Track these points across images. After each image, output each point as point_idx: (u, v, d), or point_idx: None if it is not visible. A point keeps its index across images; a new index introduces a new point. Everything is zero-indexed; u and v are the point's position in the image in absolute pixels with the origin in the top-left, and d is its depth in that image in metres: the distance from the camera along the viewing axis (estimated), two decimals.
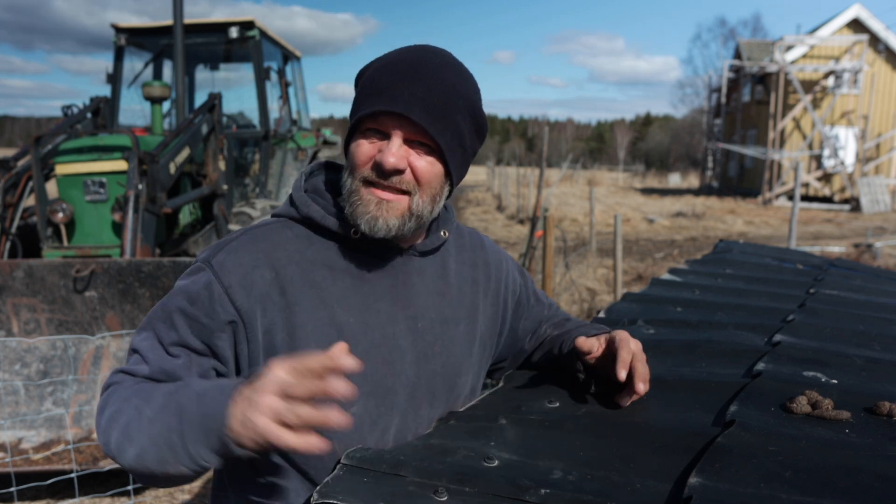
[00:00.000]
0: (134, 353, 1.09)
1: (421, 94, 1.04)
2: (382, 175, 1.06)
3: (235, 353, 1.09)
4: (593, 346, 1.17)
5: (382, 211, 1.07)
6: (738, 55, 30.93)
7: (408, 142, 1.07)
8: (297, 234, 1.13)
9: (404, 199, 1.08)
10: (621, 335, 1.17)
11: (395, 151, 1.05)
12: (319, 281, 1.10)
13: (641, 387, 1.15)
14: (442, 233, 1.24)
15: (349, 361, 0.84)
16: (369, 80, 1.08)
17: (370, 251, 1.14)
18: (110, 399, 1.04)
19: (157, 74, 7.20)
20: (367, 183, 1.08)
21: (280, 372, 0.86)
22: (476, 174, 50.03)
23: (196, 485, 3.75)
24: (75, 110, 5.52)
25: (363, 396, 1.09)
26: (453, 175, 1.13)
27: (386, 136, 1.07)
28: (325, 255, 1.12)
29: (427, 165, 1.08)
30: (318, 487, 0.88)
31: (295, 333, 1.07)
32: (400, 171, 1.06)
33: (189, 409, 0.93)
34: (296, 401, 0.85)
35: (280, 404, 0.85)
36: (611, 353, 1.19)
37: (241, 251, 1.09)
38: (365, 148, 1.07)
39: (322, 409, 0.85)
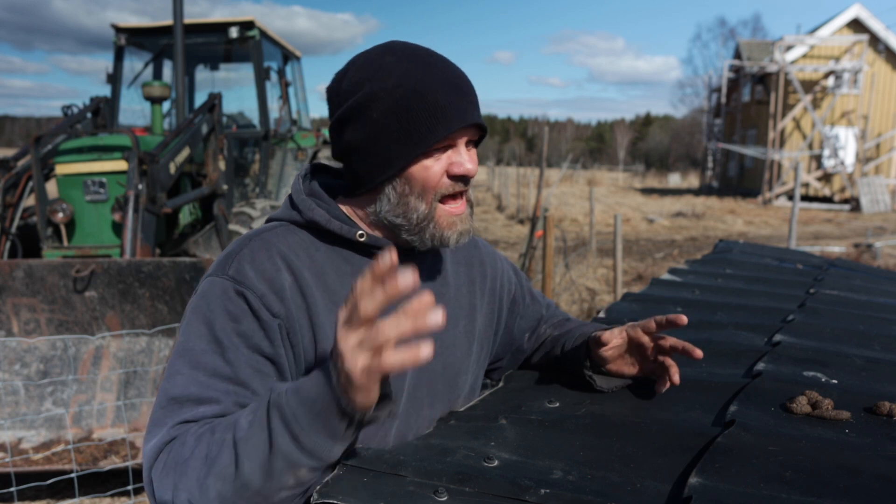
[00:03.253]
0: (181, 402, 0.96)
1: (473, 99, 1.09)
2: (464, 183, 1.10)
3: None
4: (614, 336, 1.20)
5: (465, 223, 1.13)
6: (738, 55, 30.93)
7: (466, 143, 1.11)
8: (301, 239, 1.11)
9: (464, 201, 1.13)
10: (641, 323, 1.20)
11: (472, 158, 1.10)
12: (330, 284, 1.09)
13: (677, 377, 1.18)
14: None
15: (386, 259, 0.76)
16: (420, 104, 1.03)
17: (375, 254, 1.14)
18: (177, 456, 0.90)
19: (157, 74, 7.21)
20: (442, 198, 1.10)
21: (342, 318, 0.80)
22: (476, 174, 49.89)
23: None
24: (75, 110, 5.52)
25: None
26: None
27: (447, 147, 1.09)
28: (331, 258, 1.11)
29: (476, 159, 1.13)
30: (319, 487, 0.88)
31: (316, 336, 1.06)
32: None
33: (289, 405, 0.84)
34: (373, 324, 0.78)
35: (365, 335, 0.78)
36: (634, 344, 1.21)
37: (259, 258, 1.05)
38: (436, 167, 1.08)
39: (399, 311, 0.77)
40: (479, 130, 1.11)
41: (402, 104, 1.04)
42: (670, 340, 1.18)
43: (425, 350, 0.76)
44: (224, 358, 0.98)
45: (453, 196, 1.11)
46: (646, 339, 1.20)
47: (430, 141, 1.04)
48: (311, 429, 0.84)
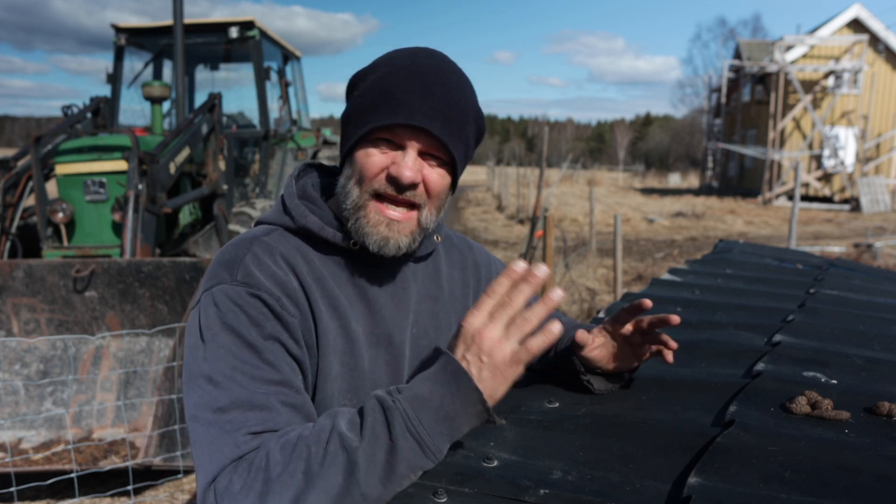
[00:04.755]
0: (228, 411, 0.91)
1: (439, 107, 1.01)
2: (397, 189, 1.03)
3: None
4: (588, 339, 1.19)
5: (394, 232, 1.05)
6: (738, 55, 30.92)
7: (421, 154, 1.04)
8: (295, 246, 1.09)
9: (413, 214, 1.07)
10: (612, 316, 1.19)
11: (413, 165, 1.02)
12: (329, 290, 1.08)
13: (670, 356, 1.18)
14: (435, 237, 1.24)
15: (522, 265, 0.88)
16: (379, 88, 1.02)
17: (368, 261, 1.12)
18: (263, 474, 0.85)
19: (157, 74, 7.21)
20: (377, 196, 1.05)
21: (479, 319, 0.89)
22: (476, 174, 50.00)
23: (195, 485, 3.74)
24: (75, 110, 5.52)
25: None
26: (456, 184, 1.14)
27: (398, 147, 1.03)
28: (326, 265, 1.10)
29: (439, 178, 1.06)
30: None
31: (319, 341, 1.05)
32: (415, 186, 1.03)
33: (412, 411, 0.86)
34: (520, 315, 0.88)
35: (513, 327, 0.88)
36: (619, 337, 1.20)
37: (266, 262, 1.02)
38: (376, 158, 1.03)
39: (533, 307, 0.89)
40: (440, 146, 1.03)
41: (370, 87, 1.04)
42: (646, 319, 1.16)
43: (556, 327, 0.87)
44: (262, 360, 0.95)
45: (393, 201, 1.05)
46: (626, 329, 1.19)
47: (368, 124, 1.02)
48: (437, 433, 0.86)
